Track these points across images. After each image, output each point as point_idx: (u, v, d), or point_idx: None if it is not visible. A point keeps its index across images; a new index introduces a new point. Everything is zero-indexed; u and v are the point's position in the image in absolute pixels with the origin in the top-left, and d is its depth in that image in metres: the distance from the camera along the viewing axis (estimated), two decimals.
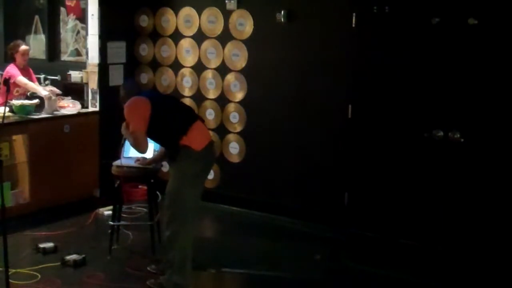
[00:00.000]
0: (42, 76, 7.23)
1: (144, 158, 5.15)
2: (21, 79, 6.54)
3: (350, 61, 5.79)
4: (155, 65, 7.09)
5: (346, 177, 5.91)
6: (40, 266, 4.95)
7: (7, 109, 5.65)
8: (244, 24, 6.38)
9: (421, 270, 5.11)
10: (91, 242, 5.56)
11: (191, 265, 4.60)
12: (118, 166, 5.19)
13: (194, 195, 4.58)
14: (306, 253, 5.40)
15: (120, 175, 5.22)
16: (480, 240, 5.23)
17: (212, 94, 6.70)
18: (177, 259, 4.49)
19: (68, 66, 7.28)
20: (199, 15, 6.67)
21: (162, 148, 4.96)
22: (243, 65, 6.44)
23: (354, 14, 5.72)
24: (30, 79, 6.74)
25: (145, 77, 7.14)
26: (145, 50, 7.15)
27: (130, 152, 5.26)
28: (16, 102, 6.18)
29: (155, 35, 7.04)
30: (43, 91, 6.46)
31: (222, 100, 6.63)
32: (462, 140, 5.26)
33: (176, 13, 6.85)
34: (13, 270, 4.61)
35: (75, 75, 6.90)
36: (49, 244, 5.32)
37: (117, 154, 5.33)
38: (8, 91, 4.51)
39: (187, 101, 6.68)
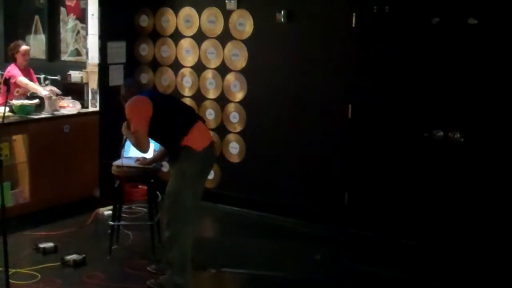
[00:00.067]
0: (42, 76, 7.24)
1: (144, 158, 5.15)
2: (22, 79, 6.54)
3: (350, 61, 5.79)
4: (155, 65, 7.09)
5: (346, 177, 5.91)
6: (40, 266, 4.95)
7: (7, 109, 5.66)
8: (244, 24, 6.38)
9: (421, 270, 5.11)
10: (91, 242, 5.56)
11: (191, 265, 4.60)
12: (118, 166, 5.19)
13: (194, 196, 4.58)
14: (306, 253, 5.40)
15: (120, 175, 5.22)
16: (480, 240, 5.23)
17: (212, 94, 6.70)
18: (177, 259, 4.49)
19: (68, 66, 7.28)
20: (199, 15, 6.68)
21: (162, 148, 4.95)
22: (243, 65, 6.44)
23: (354, 14, 5.72)
24: (31, 79, 6.74)
25: (145, 77, 7.14)
26: (145, 50, 7.15)
27: (130, 152, 5.26)
28: (16, 102, 6.18)
29: (155, 35, 7.04)
30: (43, 91, 6.46)
31: (222, 100, 6.63)
32: (462, 140, 5.26)
33: (176, 13, 6.85)
34: (13, 270, 4.61)
35: (75, 75, 6.90)
36: (49, 244, 5.32)
37: (117, 154, 5.33)
38: (8, 91, 4.51)
39: (187, 101, 6.68)
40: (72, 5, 7.57)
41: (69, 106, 6.52)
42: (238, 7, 6.38)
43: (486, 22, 5.09)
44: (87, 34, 6.80)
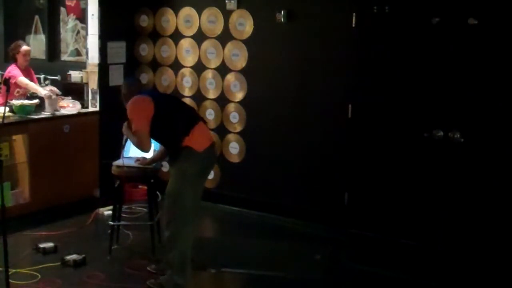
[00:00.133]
0: (42, 76, 7.24)
1: (144, 158, 5.15)
2: (23, 80, 6.55)
3: (350, 61, 5.79)
4: (155, 65, 7.09)
5: (346, 177, 5.91)
6: (40, 266, 4.95)
7: (7, 109, 5.66)
8: (244, 24, 6.38)
9: (421, 270, 5.11)
10: (91, 242, 5.56)
11: (191, 265, 4.60)
12: (118, 166, 5.19)
13: (194, 196, 4.58)
14: (306, 253, 5.40)
15: (120, 175, 5.22)
16: (480, 240, 5.23)
17: (212, 94, 6.70)
18: (177, 259, 4.49)
19: (68, 66, 7.28)
20: (199, 15, 6.68)
21: (162, 147, 4.95)
22: (243, 65, 6.44)
23: (354, 14, 5.72)
24: (31, 80, 6.75)
25: (145, 77, 7.14)
26: (145, 50, 7.15)
27: (130, 152, 5.26)
28: (16, 102, 6.18)
29: (155, 35, 7.04)
30: (43, 90, 6.46)
31: (222, 100, 6.63)
32: (462, 140, 5.26)
33: (176, 13, 6.85)
34: (13, 270, 4.61)
35: (75, 75, 6.90)
36: (49, 244, 5.32)
37: (117, 154, 5.33)
38: (8, 91, 4.51)
39: (187, 101, 6.68)
40: (72, 5, 7.57)
41: (69, 106, 6.52)
42: (238, 7, 6.38)
43: (486, 22, 5.09)
44: (87, 34, 6.79)
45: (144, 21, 7.09)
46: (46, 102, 6.33)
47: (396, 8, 5.49)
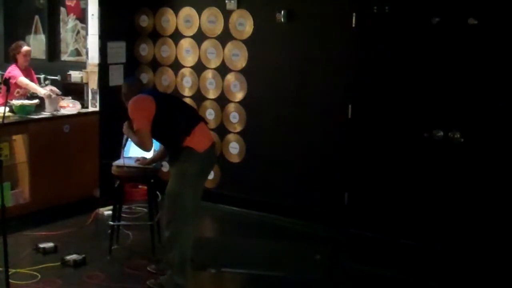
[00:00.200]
0: (42, 76, 7.23)
1: (144, 158, 5.15)
2: (23, 80, 6.55)
3: (350, 61, 5.79)
4: (155, 65, 7.09)
5: (346, 177, 5.91)
6: (40, 266, 4.95)
7: (7, 109, 5.65)
8: (244, 24, 6.38)
9: (421, 270, 5.11)
10: (91, 242, 5.56)
11: (191, 265, 4.60)
12: (118, 166, 5.19)
13: (194, 196, 4.58)
14: (306, 253, 5.40)
15: (120, 175, 5.22)
16: (480, 240, 5.23)
17: (212, 94, 6.70)
18: (177, 259, 4.49)
19: (68, 66, 7.28)
20: (199, 15, 6.68)
21: (162, 147, 4.95)
22: (243, 65, 6.44)
23: (354, 14, 5.72)
24: (31, 80, 6.75)
25: (145, 77, 7.13)
26: (145, 50, 7.15)
27: (130, 152, 5.26)
28: (16, 102, 6.18)
29: (155, 35, 7.04)
30: (43, 90, 6.47)
31: (222, 100, 6.63)
32: (462, 140, 5.26)
33: (176, 13, 6.85)
34: (13, 270, 4.61)
35: (75, 75, 6.90)
36: (49, 244, 5.32)
37: (117, 154, 5.33)
38: (8, 91, 4.51)
39: (187, 101, 6.67)
40: (72, 5, 7.57)
41: (69, 106, 6.52)
42: (238, 7, 6.38)
43: (486, 22, 5.09)
44: (87, 34, 6.79)
45: (144, 21, 7.09)
46: (46, 101, 6.34)
47: (396, 8, 5.50)
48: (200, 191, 4.68)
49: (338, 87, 5.90)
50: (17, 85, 6.54)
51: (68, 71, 6.99)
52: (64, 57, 7.69)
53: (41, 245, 5.29)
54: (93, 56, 6.72)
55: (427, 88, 5.41)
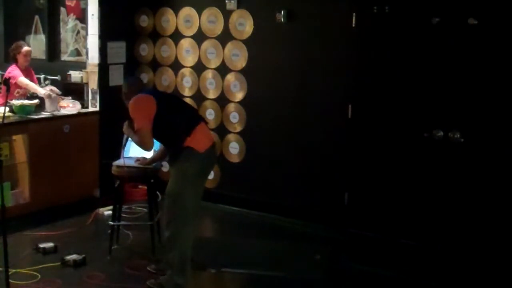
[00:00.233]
0: (42, 76, 7.23)
1: (144, 158, 5.15)
2: (23, 80, 6.55)
3: (350, 61, 5.79)
4: (155, 65, 7.09)
5: (346, 177, 5.91)
6: (40, 266, 4.95)
7: (7, 109, 5.65)
8: (244, 24, 6.38)
9: (421, 270, 5.11)
10: (91, 242, 5.56)
11: (191, 265, 4.60)
12: (118, 166, 5.19)
13: (195, 196, 4.58)
14: (306, 253, 5.40)
15: (120, 175, 5.22)
16: (480, 240, 5.23)
17: (212, 94, 6.70)
18: (177, 260, 4.49)
19: (68, 66, 7.27)
20: (199, 15, 6.68)
21: (162, 147, 4.95)
22: (243, 65, 6.44)
23: (354, 14, 5.72)
24: (31, 80, 6.76)
25: (145, 77, 7.13)
26: (145, 50, 7.15)
27: (130, 152, 5.26)
28: (16, 102, 6.18)
29: (155, 35, 7.04)
30: (42, 90, 6.47)
31: (222, 100, 6.63)
32: (462, 140, 5.26)
33: (176, 13, 6.85)
34: (13, 270, 4.61)
35: (75, 75, 6.90)
36: (49, 244, 5.32)
37: (117, 154, 5.33)
38: (8, 91, 4.50)
39: (187, 101, 6.67)
40: (72, 5, 7.57)
41: (69, 106, 6.52)
42: (238, 7, 6.38)
43: (486, 22, 5.09)
44: (87, 34, 6.79)
45: (144, 21, 7.09)
46: (46, 101, 6.33)
47: (396, 8, 5.50)
48: (200, 191, 4.68)
49: (338, 87, 5.90)
50: (17, 85, 6.55)
51: (68, 71, 6.99)
52: (64, 57, 7.69)
53: (41, 245, 5.29)
54: (93, 56, 6.72)
55: (427, 88, 5.41)
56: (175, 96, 5.65)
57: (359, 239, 5.73)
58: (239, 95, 6.51)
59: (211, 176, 6.31)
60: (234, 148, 6.60)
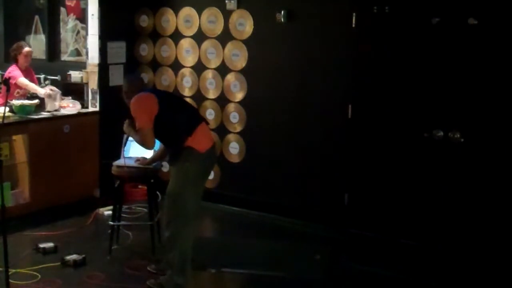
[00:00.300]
0: (42, 76, 7.23)
1: (144, 158, 5.15)
2: (23, 81, 6.56)
3: (350, 61, 5.79)
4: (155, 65, 7.09)
5: (346, 177, 5.91)
6: (40, 266, 4.95)
7: (7, 109, 5.65)
8: (244, 24, 6.38)
9: (421, 270, 5.11)
10: (91, 242, 5.56)
11: (191, 265, 4.60)
12: (118, 166, 5.19)
13: (195, 196, 4.58)
14: (306, 253, 5.40)
15: (121, 175, 5.22)
16: (480, 240, 5.23)
17: (212, 94, 6.70)
18: (177, 260, 4.49)
19: (68, 66, 7.27)
20: (199, 15, 6.68)
21: (162, 147, 4.94)
22: (243, 65, 6.44)
23: (354, 14, 5.72)
24: (31, 80, 6.76)
25: (145, 77, 7.13)
26: (145, 50, 7.15)
27: (130, 152, 5.26)
28: (16, 102, 6.18)
29: (155, 35, 7.04)
30: (42, 90, 6.47)
31: (222, 100, 6.63)
32: (462, 140, 5.26)
33: (176, 13, 6.85)
34: (13, 270, 4.61)
35: (75, 75, 6.90)
36: (49, 244, 5.32)
37: (117, 154, 5.33)
38: (8, 91, 4.50)
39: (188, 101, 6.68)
40: (72, 5, 7.57)
41: (69, 106, 6.53)
42: (238, 7, 6.38)
43: (486, 22, 5.09)
44: (87, 34, 6.79)
45: (144, 21, 7.09)
46: (47, 100, 6.32)
47: (396, 8, 5.50)
48: (200, 191, 4.68)
49: (338, 87, 5.90)
50: (17, 86, 6.55)
51: (68, 71, 6.99)
52: (64, 57, 7.69)
53: (41, 245, 5.29)
54: (93, 56, 6.72)
55: (427, 88, 5.41)
56: (177, 96, 5.65)
57: (359, 239, 5.73)
58: (239, 95, 6.51)
59: (211, 176, 6.30)
60: (234, 148, 6.60)
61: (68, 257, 5.05)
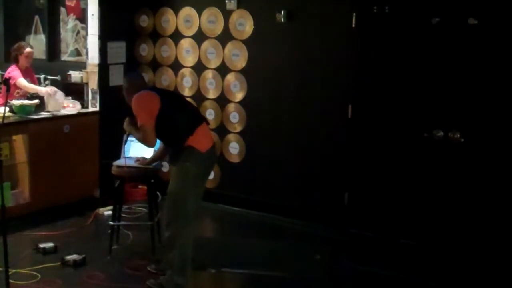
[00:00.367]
0: (42, 76, 7.23)
1: (144, 158, 5.15)
2: (21, 82, 6.56)
3: (350, 61, 5.79)
4: (155, 65, 7.09)
5: (346, 177, 5.91)
6: (40, 266, 4.95)
7: (7, 109, 5.65)
8: (244, 24, 6.38)
9: (421, 270, 5.11)
10: (91, 242, 5.56)
11: (191, 265, 4.59)
12: (118, 166, 5.19)
13: (195, 196, 4.58)
14: (306, 253, 5.40)
15: (121, 175, 5.22)
16: (480, 240, 5.23)
17: (212, 94, 6.70)
18: (177, 260, 4.49)
19: (68, 66, 7.27)
20: (199, 15, 6.68)
21: (162, 146, 4.94)
22: (243, 65, 6.44)
23: (354, 14, 5.72)
24: (32, 80, 6.76)
25: (145, 77, 7.10)
26: (145, 50, 7.15)
27: (130, 152, 5.26)
28: (16, 102, 6.18)
29: (155, 35, 7.04)
30: (43, 88, 6.47)
31: (222, 100, 6.63)
32: (462, 140, 5.26)
33: (176, 13, 6.85)
34: (13, 270, 4.61)
35: (75, 75, 6.90)
36: (49, 244, 5.32)
37: (117, 154, 5.33)
38: (8, 91, 4.50)
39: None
40: (72, 5, 7.57)
41: (69, 106, 6.53)
42: (238, 7, 6.38)
43: (486, 22, 5.09)
44: (87, 34, 6.79)
45: (144, 21, 7.09)
46: (50, 99, 6.31)
47: (396, 8, 5.49)
48: (201, 191, 4.68)
49: (338, 87, 5.90)
50: (15, 87, 6.54)
51: (68, 71, 6.99)
52: (64, 57, 7.69)
53: (41, 245, 5.29)
54: (93, 56, 6.72)
55: (427, 88, 5.41)
56: (178, 94, 5.65)
57: (359, 239, 5.73)
58: (239, 95, 6.51)
59: (211, 176, 6.29)
60: (234, 148, 6.60)
61: (68, 257, 5.05)
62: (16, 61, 6.70)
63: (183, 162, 4.48)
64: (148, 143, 4.53)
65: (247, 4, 6.34)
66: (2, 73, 7.14)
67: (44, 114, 6.27)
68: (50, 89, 6.50)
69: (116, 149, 5.39)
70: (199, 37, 6.70)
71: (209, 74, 6.70)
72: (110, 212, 5.63)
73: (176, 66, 6.92)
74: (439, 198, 5.40)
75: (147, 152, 5.16)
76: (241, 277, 5.04)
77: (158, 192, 5.54)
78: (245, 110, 6.49)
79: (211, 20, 6.60)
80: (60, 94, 6.45)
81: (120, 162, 5.21)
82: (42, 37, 7.85)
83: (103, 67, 6.74)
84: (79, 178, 6.44)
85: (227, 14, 6.47)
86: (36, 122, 6.13)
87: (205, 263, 5.06)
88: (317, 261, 5.27)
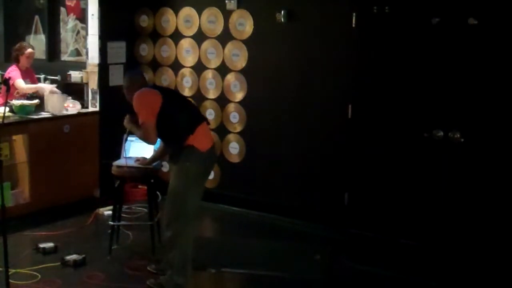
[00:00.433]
0: (42, 76, 7.24)
1: (144, 158, 5.15)
2: (19, 83, 6.56)
3: (350, 61, 5.79)
4: (155, 65, 7.09)
5: (346, 177, 5.91)
6: (40, 266, 4.95)
7: (7, 109, 5.66)
8: (244, 24, 6.38)
9: (421, 270, 5.11)
10: (91, 242, 5.56)
11: (191, 265, 4.59)
12: (118, 166, 5.19)
13: (195, 196, 4.57)
14: (306, 253, 5.40)
15: (121, 175, 5.22)
16: (480, 240, 5.23)
17: (212, 94, 6.70)
18: (177, 259, 4.49)
19: (68, 66, 7.28)
20: (199, 15, 6.68)
21: (161, 146, 4.94)
22: (243, 65, 6.44)
23: (354, 14, 5.72)
24: (32, 80, 6.77)
25: (145, 77, 7.12)
26: (145, 50, 7.15)
27: (130, 152, 5.25)
28: (16, 102, 6.19)
29: (155, 35, 7.04)
30: (46, 86, 6.47)
31: (222, 100, 6.63)
32: (462, 140, 5.26)
33: (176, 13, 6.85)
34: (13, 270, 4.61)
35: (75, 75, 6.90)
36: (49, 244, 5.32)
37: (117, 154, 5.33)
38: (8, 91, 4.51)
39: None
40: (72, 5, 7.57)
41: (69, 106, 6.53)
42: (238, 7, 6.38)
43: (486, 22, 5.09)
44: (87, 34, 6.80)
45: (144, 21, 7.09)
46: (51, 101, 6.30)
47: (396, 8, 5.49)
48: (201, 191, 4.67)
49: (338, 87, 5.90)
50: (14, 87, 6.54)
51: (68, 71, 7.00)
52: (64, 57, 7.70)
53: (41, 245, 5.29)
54: (93, 56, 6.72)
55: (427, 88, 5.41)
56: (179, 93, 5.64)
57: (359, 239, 5.73)
58: (239, 95, 6.51)
59: (211, 176, 6.30)
60: (234, 148, 6.60)
61: (68, 257, 5.05)
62: (16, 61, 6.70)
63: (183, 161, 4.48)
64: (149, 141, 4.53)
65: (247, 4, 6.34)
66: (2, 73, 7.14)
67: (44, 114, 6.28)
68: (52, 87, 6.51)
69: (116, 149, 5.40)
70: (199, 37, 6.70)
71: (209, 74, 6.70)
72: (110, 212, 5.63)
73: (176, 66, 6.92)
74: (439, 198, 5.40)
75: (147, 152, 5.16)
76: (241, 277, 5.04)
77: (158, 192, 5.54)
78: (245, 110, 6.49)
79: (211, 20, 6.60)
80: (61, 96, 6.43)
81: (120, 162, 5.21)
82: (42, 37, 7.85)
83: (103, 67, 6.75)
84: (79, 178, 6.44)
85: (227, 14, 6.47)
86: (36, 122, 6.14)
87: (205, 263, 5.06)
88: (317, 261, 5.27)
